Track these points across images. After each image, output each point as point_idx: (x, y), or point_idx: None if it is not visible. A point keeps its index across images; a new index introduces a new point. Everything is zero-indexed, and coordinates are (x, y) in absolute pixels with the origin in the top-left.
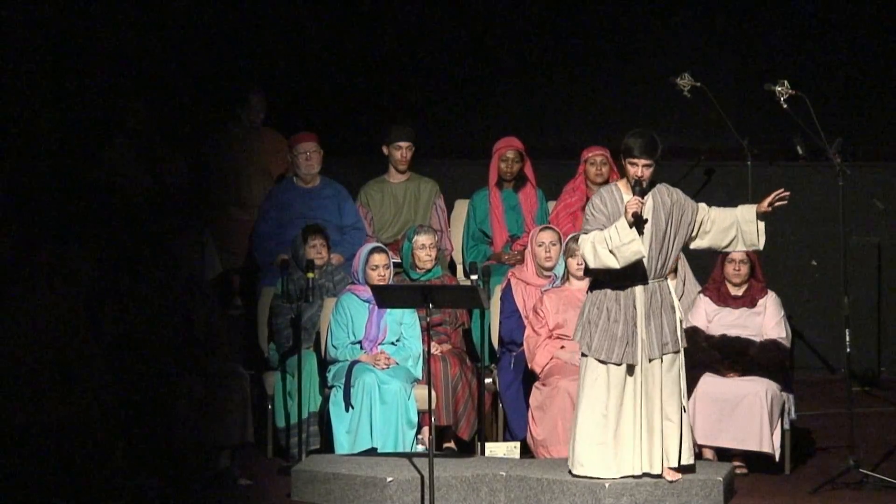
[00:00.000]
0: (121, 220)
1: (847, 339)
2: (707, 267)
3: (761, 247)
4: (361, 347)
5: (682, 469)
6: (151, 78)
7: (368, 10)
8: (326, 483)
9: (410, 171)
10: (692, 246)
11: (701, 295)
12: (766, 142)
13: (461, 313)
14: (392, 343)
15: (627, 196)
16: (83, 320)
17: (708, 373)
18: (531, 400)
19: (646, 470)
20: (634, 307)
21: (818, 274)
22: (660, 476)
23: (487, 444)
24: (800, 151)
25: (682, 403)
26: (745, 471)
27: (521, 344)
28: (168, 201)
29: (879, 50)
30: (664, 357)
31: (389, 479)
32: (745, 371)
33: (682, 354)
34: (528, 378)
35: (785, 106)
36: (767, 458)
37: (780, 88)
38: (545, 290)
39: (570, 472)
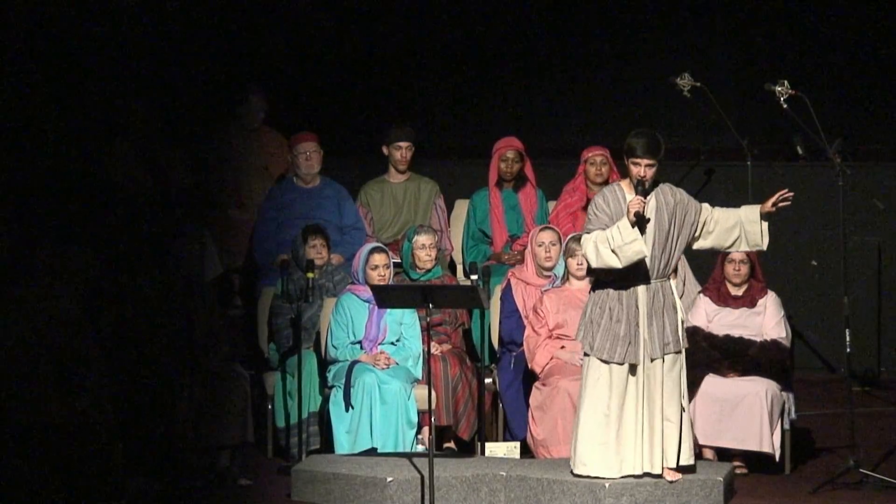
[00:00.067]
0: (121, 220)
1: (847, 339)
2: (707, 267)
3: (765, 247)
4: (361, 347)
5: (682, 469)
6: (152, 78)
7: (368, 9)
8: (326, 483)
9: (410, 171)
10: (695, 246)
11: (701, 295)
12: (766, 142)
13: (461, 313)
14: (392, 343)
15: (630, 196)
16: (83, 320)
17: (710, 374)
18: (531, 400)
19: (646, 470)
20: (637, 307)
21: (818, 274)
22: (660, 476)
23: (487, 444)
24: (800, 151)
25: (682, 404)
26: (745, 471)
27: (521, 344)
28: (168, 201)
29: (879, 50)
30: (665, 357)
31: (389, 479)
32: (745, 371)
33: (683, 355)
34: (528, 378)
35: (785, 106)
36: (767, 458)
37: (780, 88)
38: (545, 290)
39: (571, 471)
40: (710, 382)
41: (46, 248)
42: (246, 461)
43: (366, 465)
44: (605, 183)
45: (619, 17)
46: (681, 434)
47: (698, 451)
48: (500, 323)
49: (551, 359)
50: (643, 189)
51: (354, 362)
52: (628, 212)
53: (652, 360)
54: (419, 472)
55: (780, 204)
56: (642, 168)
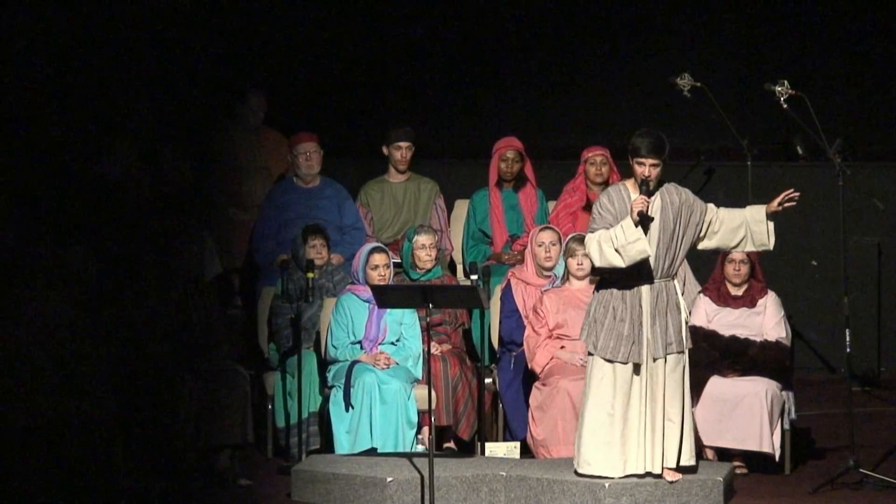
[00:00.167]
0: (121, 220)
1: (847, 339)
2: (707, 267)
3: (771, 247)
4: (361, 347)
5: (683, 470)
6: (152, 78)
7: (369, 10)
8: (326, 483)
9: (410, 171)
10: (700, 246)
11: (701, 295)
12: (766, 142)
13: (461, 313)
14: (392, 343)
15: (635, 195)
16: (83, 320)
17: (714, 375)
18: (531, 400)
19: (649, 469)
20: (640, 306)
21: (818, 274)
22: (660, 476)
23: (487, 444)
24: (800, 151)
25: (684, 404)
26: (745, 471)
27: (521, 344)
28: (168, 201)
29: (879, 50)
30: (668, 357)
31: (389, 479)
32: (745, 371)
33: (686, 355)
34: (528, 378)
35: (785, 106)
36: (767, 458)
37: (780, 88)
38: (545, 290)
39: (575, 471)
40: (712, 382)
41: (46, 248)
42: (246, 461)
43: (366, 465)
44: (606, 183)
45: (620, 18)
46: (682, 434)
47: (700, 451)
48: (500, 323)
49: (551, 359)
50: (647, 189)
51: (354, 362)
52: (632, 211)
53: (655, 360)
54: (419, 472)
55: (786, 204)
56: (647, 168)
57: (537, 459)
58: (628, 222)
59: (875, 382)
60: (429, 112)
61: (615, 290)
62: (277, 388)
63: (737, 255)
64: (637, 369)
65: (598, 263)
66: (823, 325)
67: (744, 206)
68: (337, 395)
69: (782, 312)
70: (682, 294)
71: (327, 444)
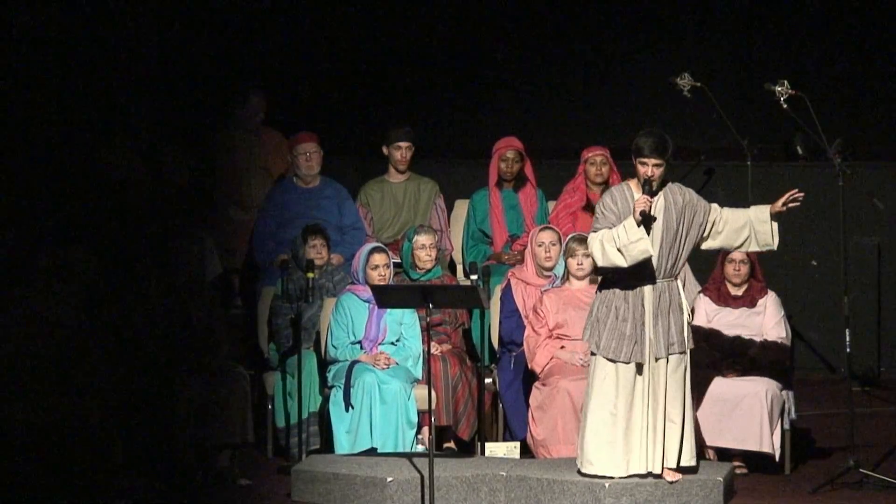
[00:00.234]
0: (121, 220)
1: (847, 339)
2: (707, 267)
3: (775, 247)
4: (361, 347)
5: (683, 470)
6: (152, 78)
7: (368, 10)
8: (326, 483)
9: (410, 171)
10: (704, 246)
11: (701, 295)
12: (766, 142)
13: (461, 313)
14: (392, 343)
15: (638, 195)
16: (83, 321)
17: (718, 376)
18: (531, 400)
19: (651, 469)
20: (643, 306)
21: (818, 274)
22: (661, 476)
23: (487, 444)
24: (800, 151)
25: (685, 405)
26: (745, 471)
27: (521, 344)
28: (168, 201)
29: (879, 50)
30: (670, 357)
31: (389, 479)
32: (745, 371)
33: (688, 355)
34: (528, 378)
35: (785, 106)
36: (767, 458)
37: (780, 88)
38: (545, 290)
39: (578, 470)
40: (713, 383)
41: (47, 248)
42: (246, 461)
43: (366, 465)
44: (605, 183)
45: (620, 18)
46: (682, 434)
47: (702, 451)
48: (500, 323)
49: (551, 359)
50: (650, 188)
51: (354, 362)
52: (634, 211)
53: (657, 360)
54: (419, 472)
55: (791, 204)
56: (650, 168)
57: (537, 459)
58: (630, 222)
59: (875, 382)
60: (429, 112)
61: (618, 290)
62: (277, 388)
63: (737, 255)
64: (640, 369)
65: (600, 263)
66: (823, 325)
67: (744, 206)
68: (337, 395)
69: (782, 312)
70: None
71: (327, 444)
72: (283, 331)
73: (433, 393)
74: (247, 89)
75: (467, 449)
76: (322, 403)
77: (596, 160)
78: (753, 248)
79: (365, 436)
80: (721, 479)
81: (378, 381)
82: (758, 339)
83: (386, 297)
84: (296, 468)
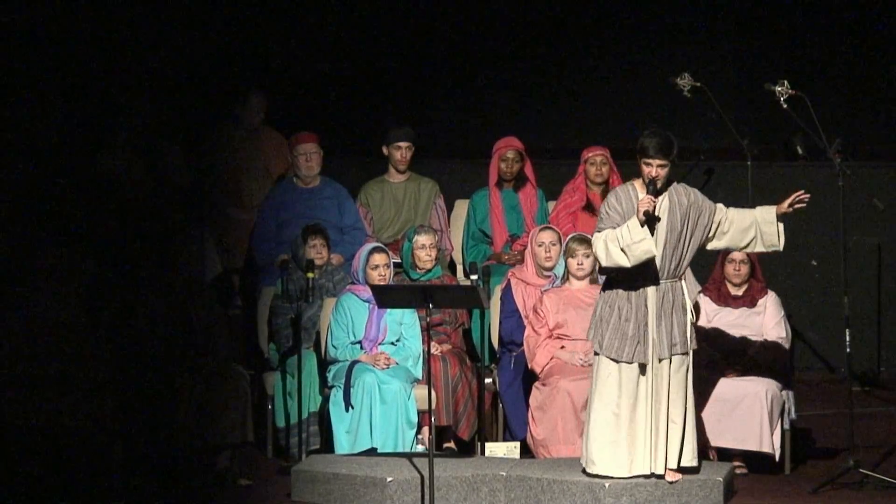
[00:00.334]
0: (121, 220)
1: (847, 339)
2: (707, 267)
3: (781, 248)
4: (361, 347)
5: (685, 470)
6: (152, 78)
7: (368, 10)
8: (326, 483)
9: (410, 171)
10: (709, 246)
11: (701, 295)
12: (766, 142)
13: (461, 313)
14: (392, 343)
15: (643, 195)
16: (83, 321)
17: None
18: (531, 400)
19: (654, 470)
20: (646, 306)
21: (818, 274)
22: (662, 476)
23: (487, 444)
24: (800, 151)
25: (686, 405)
26: (745, 471)
27: (521, 344)
28: (168, 201)
29: (879, 50)
30: (673, 358)
31: (389, 479)
32: (745, 371)
33: (690, 356)
34: (528, 378)
35: (785, 106)
36: (767, 458)
37: (780, 88)
38: (545, 290)
39: (583, 470)
40: (713, 383)
41: (47, 249)
42: (246, 461)
43: (366, 465)
44: (606, 183)
45: (620, 18)
46: (683, 435)
47: (706, 451)
48: (500, 323)
49: (551, 359)
50: (654, 189)
51: (354, 362)
52: (637, 211)
53: (660, 361)
54: (419, 472)
55: (797, 205)
56: (654, 168)
57: (537, 459)
58: (634, 222)
59: (875, 382)
60: (429, 112)
61: (621, 290)
62: (277, 388)
63: (737, 255)
64: (643, 369)
65: (604, 263)
66: (823, 325)
67: (744, 206)
68: (337, 395)
69: (782, 312)
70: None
71: (327, 444)
72: (283, 331)
73: (433, 393)
74: (247, 89)
75: (467, 449)
76: (322, 403)
77: (596, 160)
78: (759, 248)
79: (365, 436)
80: (721, 479)
81: (378, 381)
82: (758, 339)
83: (386, 297)
84: (296, 468)
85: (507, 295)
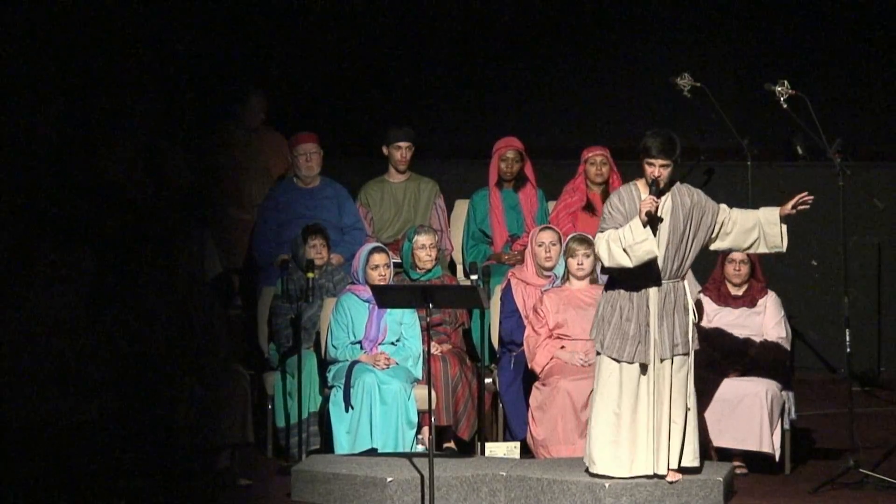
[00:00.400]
0: (121, 220)
1: (847, 339)
2: (707, 267)
3: (784, 249)
4: (361, 347)
5: (686, 471)
6: (152, 78)
7: (368, 10)
8: (326, 483)
9: (410, 171)
10: (712, 247)
11: (701, 295)
12: (766, 142)
13: (461, 313)
14: (392, 343)
15: (646, 195)
16: (84, 320)
17: (716, 375)
18: (531, 400)
19: (656, 471)
20: (647, 306)
21: (818, 274)
22: (663, 476)
23: (487, 444)
24: (800, 151)
25: (687, 405)
26: (745, 471)
27: (521, 344)
28: (168, 201)
29: (879, 50)
30: (674, 358)
31: (389, 479)
32: (745, 371)
33: (691, 357)
34: (528, 378)
35: (785, 106)
36: (767, 458)
37: (780, 88)
38: (545, 290)
39: (586, 469)
40: (713, 383)
41: (47, 248)
42: (246, 461)
43: (366, 465)
44: (606, 183)
45: (619, 18)
46: (684, 435)
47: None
48: (500, 323)
49: (551, 359)
50: (657, 189)
51: (354, 362)
52: (640, 211)
53: (662, 361)
54: (419, 472)
55: (800, 207)
56: (657, 168)
57: (537, 459)
58: (636, 222)
59: (875, 382)
60: (429, 112)
61: (623, 290)
62: (277, 388)
63: (737, 255)
64: (644, 369)
65: (606, 263)
66: (823, 325)
67: (744, 206)
68: (337, 396)
69: (782, 312)
70: None
71: (327, 444)
72: (283, 331)
73: (433, 393)
74: (247, 89)
75: (467, 449)
76: (322, 403)
77: (596, 160)
78: (762, 249)
79: (365, 436)
80: (721, 479)
81: (378, 381)
82: (758, 339)
83: (386, 297)
84: (296, 468)
85: (507, 295)
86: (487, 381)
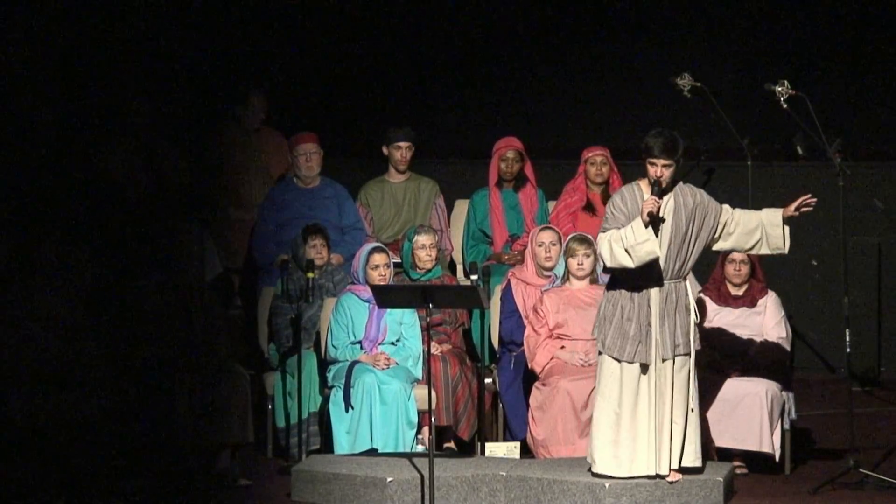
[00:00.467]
0: (121, 220)
1: (847, 339)
2: (707, 267)
3: (786, 251)
4: (361, 347)
5: (688, 470)
6: (152, 78)
7: (368, 10)
8: (326, 483)
9: (410, 171)
10: (715, 247)
11: (701, 295)
12: (766, 142)
13: (461, 313)
14: (392, 343)
15: (648, 196)
16: (83, 320)
17: (716, 375)
18: (531, 400)
19: (658, 471)
20: (649, 306)
21: (818, 274)
22: (664, 477)
23: (487, 444)
24: (800, 151)
25: (689, 406)
26: (745, 471)
27: (521, 344)
28: (168, 201)
29: (879, 50)
30: (675, 358)
31: (389, 479)
32: (745, 371)
33: (692, 357)
34: (528, 378)
35: (785, 106)
36: (767, 458)
37: (780, 88)
38: (545, 290)
39: (589, 469)
40: (714, 383)
41: (47, 248)
42: (246, 461)
43: (366, 465)
44: (606, 183)
45: (620, 18)
46: (685, 435)
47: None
48: (500, 323)
49: (551, 359)
50: (659, 189)
51: (354, 362)
52: (642, 212)
53: (663, 361)
54: (419, 472)
55: (803, 209)
56: (658, 168)
57: (537, 459)
58: (638, 223)
59: (875, 382)
60: (429, 112)
61: (624, 290)
62: (277, 388)
63: (737, 255)
64: (644, 369)
65: (608, 264)
66: (823, 325)
67: (744, 207)
68: (337, 396)
69: (782, 312)
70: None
71: (327, 445)
72: (283, 331)
73: (433, 393)
74: (247, 89)
75: (467, 449)
76: (322, 403)
77: (596, 160)
78: (764, 251)
79: (365, 436)
80: (721, 479)
81: (378, 381)
82: (758, 339)
83: (386, 297)
84: (296, 468)
85: (507, 295)
86: (487, 381)
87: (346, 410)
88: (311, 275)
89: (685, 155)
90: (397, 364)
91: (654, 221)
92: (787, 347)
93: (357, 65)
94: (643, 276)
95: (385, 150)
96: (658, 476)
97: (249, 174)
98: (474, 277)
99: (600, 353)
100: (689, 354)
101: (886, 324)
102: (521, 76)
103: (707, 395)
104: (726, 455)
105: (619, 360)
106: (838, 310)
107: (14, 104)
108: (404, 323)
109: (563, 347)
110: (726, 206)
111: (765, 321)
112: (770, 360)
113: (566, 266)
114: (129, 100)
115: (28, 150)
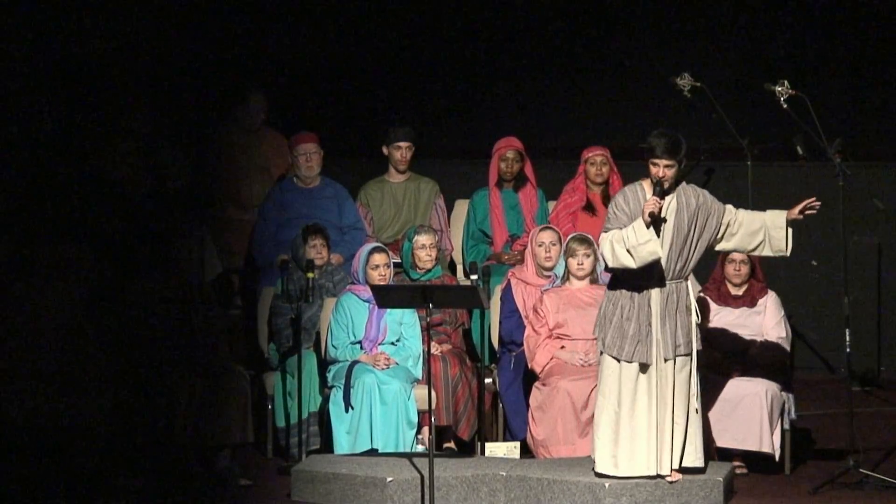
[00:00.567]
0: (121, 219)
1: (847, 339)
2: (707, 267)
3: (788, 253)
4: (361, 347)
5: (690, 470)
6: (152, 78)
7: (368, 9)
8: (326, 483)
9: (410, 171)
10: (718, 248)
11: (701, 295)
12: (766, 142)
13: (461, 313)
14: (392, 343)
15: (650, 196)
16: (83, 320)
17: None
18: (531, 400)
19: (659, 472)
20: (649, 307)
21: (818, 274)
22: (664, 477)
23: (487, 444)
24: (800, 151)
25: (690, 406)
26: (745, 471)
27: (521, 344)
28: (168, 201)
29: (879, 50)
30: (676, 358)
31: (389, 479)
32: (745, 371)
33: (694, 358)
34: (528, 378)
35: (785, 106)
36: (767, 458)
37: (780, 88)
38: (545, 290)
39: (592, 469)
40: (713, 382)
41: (47, 247)
42: (246, 461)
43: (366, 465)
44: (606, 183)
45: (620, 18)
46: (686, 436)
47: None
48: (500, 323)
49: (551, 359)
50: (661, 190)
51: (354, 362)
52: (643, 212)
53: (665, 361)
54: (419, 472)
55: (808, 212)
56: (661, 168)
57: (537, 459)
58: (640, 223)
59: (875, 382)
60: (429, 112)
61: (625, 290)
62: (277, 388)
63: (737, 255)
64: (644, 369)
65: (610, 264)
66: (823, 325)
67: (744, 207)
68: (337, 396)
69: (782, 312)
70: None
71: (327, 445)
72: (283, 331)
73: (433, 393)
74: (247, 89)
75: (467, 449)
76: (322, 403)
77: (596, 160)
78: (766, 252)
79: (365, 436)
80: (721, 479)
81: (378, 381)
82: (758, 339)
83: (386, 297)
84: (296, 468)
85: (507, 295)
86: (487, 381)
87: (346, 410)
88: (311, 275)
89: (685, 155)
90: (397, 364)
91: (656, 222)
92: (787, 347)
93: (357, 65)
94: (644, 276)
95: (385, 150)
96: (658, 476)
97: (249, 174)
98: (474, 277)
99: (601, 353)
100: (689, 355)
101: (886, 324)
102: (521, 76)
103: (707, 395)
104: (726, 455)
105: (618, 360)
106: (838, 310)
107: (14, 104)
108: (404, 323)
109: (563, 347)
110: (730, 207)
111: (765, 321)
112: (770, 360)
113: (566, 266)
114: (129, 100)
115: (29, 150)
